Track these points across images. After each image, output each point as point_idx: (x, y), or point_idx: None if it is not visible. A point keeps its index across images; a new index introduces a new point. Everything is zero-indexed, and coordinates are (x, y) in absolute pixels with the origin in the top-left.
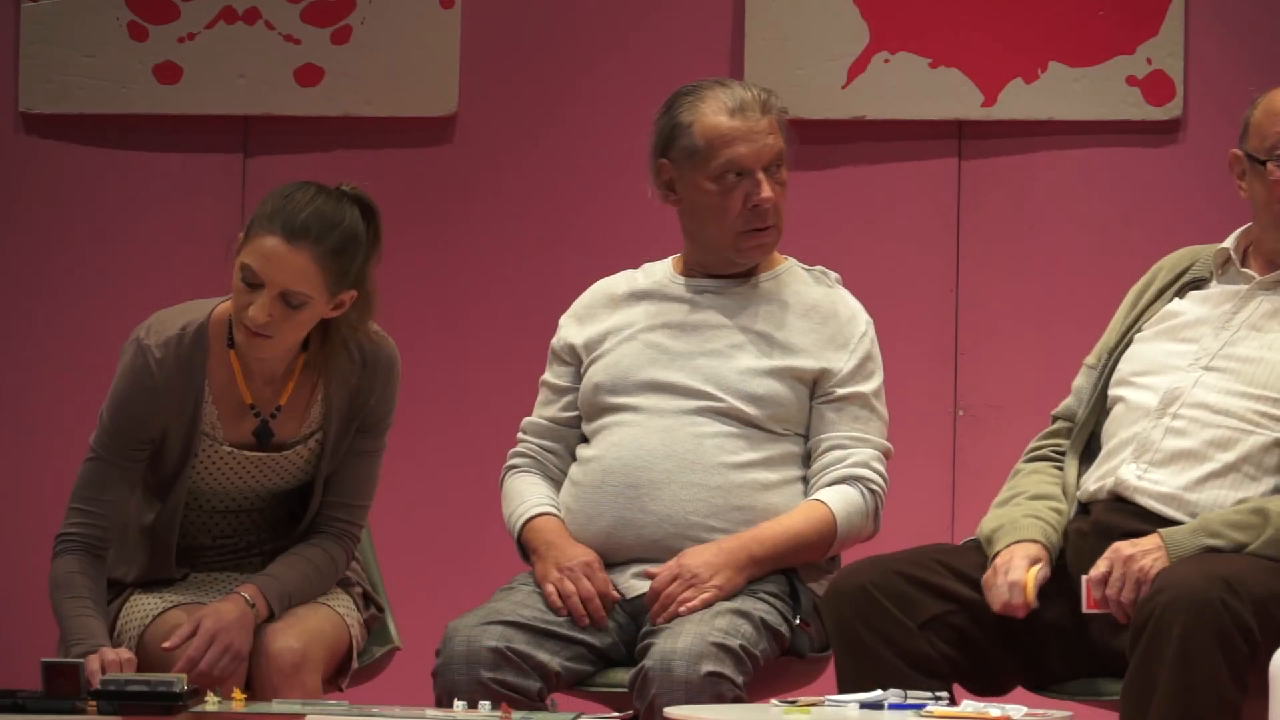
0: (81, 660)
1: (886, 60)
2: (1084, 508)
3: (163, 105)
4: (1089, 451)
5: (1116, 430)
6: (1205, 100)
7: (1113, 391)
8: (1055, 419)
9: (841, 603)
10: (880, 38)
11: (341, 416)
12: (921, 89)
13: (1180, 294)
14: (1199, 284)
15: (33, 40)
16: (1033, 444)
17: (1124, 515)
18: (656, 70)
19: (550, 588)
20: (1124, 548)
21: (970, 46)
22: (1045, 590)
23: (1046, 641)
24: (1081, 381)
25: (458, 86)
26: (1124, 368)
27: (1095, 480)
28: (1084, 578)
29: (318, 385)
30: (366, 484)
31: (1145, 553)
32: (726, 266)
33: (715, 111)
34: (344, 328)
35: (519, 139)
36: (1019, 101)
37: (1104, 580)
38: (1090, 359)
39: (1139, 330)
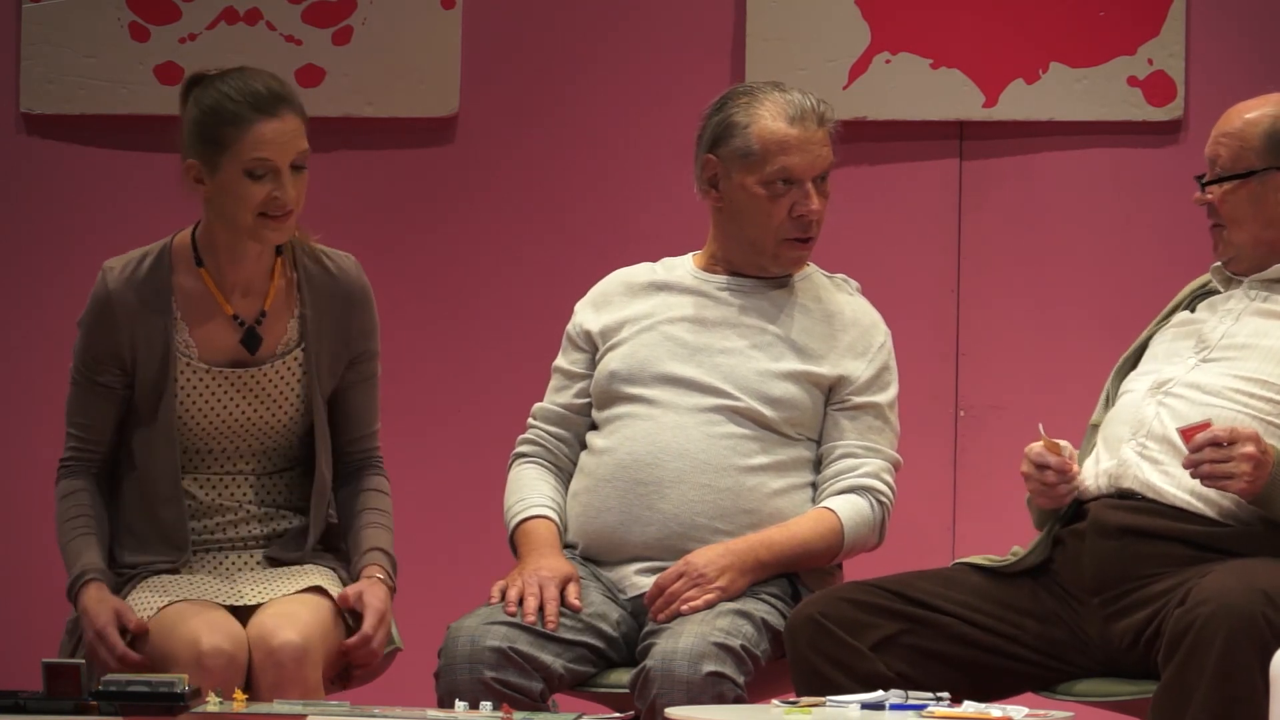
0: (82, 661)
1: (888, 61)
2: (1078, 513)
3: (164, 106)
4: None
5: (1112, 420)
6: (1206, 101)
7: (1121, 392)
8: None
9: (795, 636)
10: (881, 38)
11: (320, 331)
12: (923, 89)
13: (1191, 307)
14: (1208, 295)
15: (34, 41)
16: None
17: (1124, 511)
18: (657, 71)
19: (501, 583)
20: (1251, 438)
21: (971, 47)
22: (1019, 601)
23: (1008, 650)
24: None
25: (459, 87)
26: (1133, 372)
27: (1094, 473)
28: (1207, 422)
29: (292, 292)
30: (377, 408)
31: (1258, 464)
32: (756, 269)
33: (774, 117)
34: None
35: (520, 139)
36: (1020, 102)
37: (1213, 441)
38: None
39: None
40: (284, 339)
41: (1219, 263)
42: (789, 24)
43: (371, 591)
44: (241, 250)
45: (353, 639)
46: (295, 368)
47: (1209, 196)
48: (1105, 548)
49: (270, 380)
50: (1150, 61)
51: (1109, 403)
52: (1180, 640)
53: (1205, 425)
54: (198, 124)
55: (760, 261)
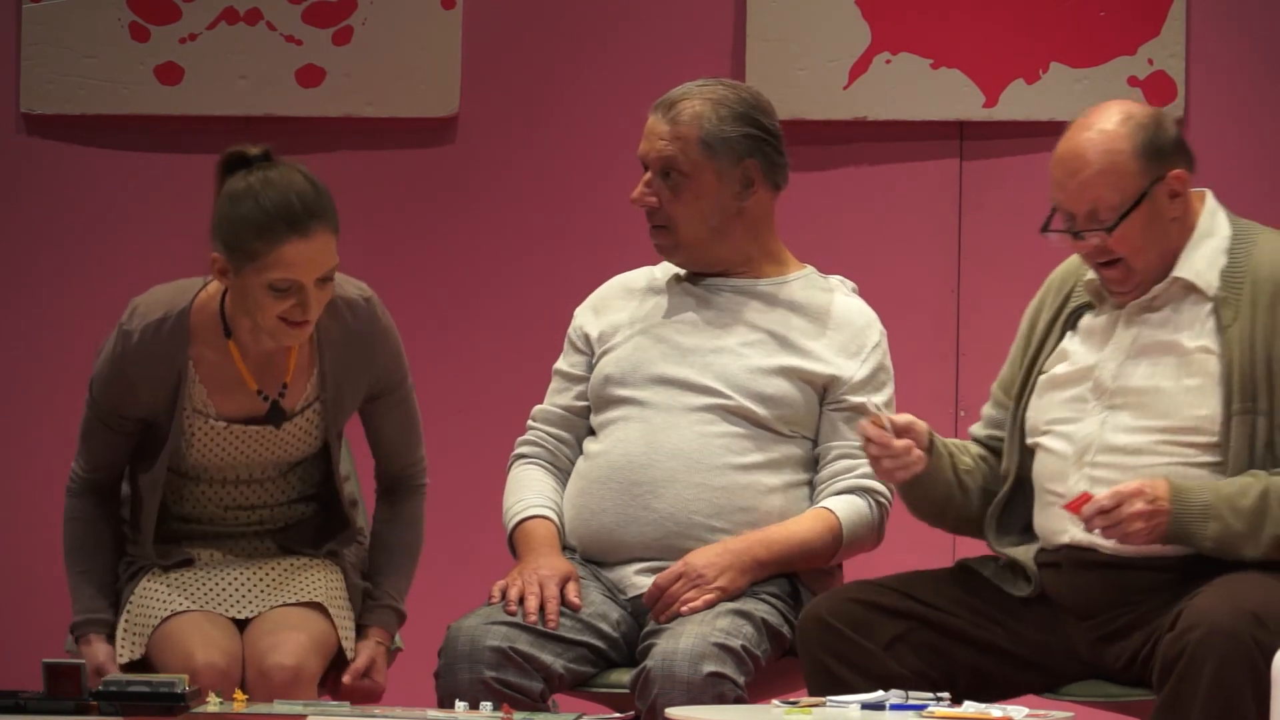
0: (83, 661)
1: (888, 61)
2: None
3: (164, 106)
4: (1022, 493)
5: (1044, 482)
6: (1206, 101)
7: (1030, 440)
8: (974, 439)
9: (805, 638)
10: (882, 38)
11: (339, 385)
12: (923, 89)
13: (1070, 325)
14: (1082, 312)
15: (34, 41)
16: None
17: (1094, 552)
18: (657, 71)
19: (500, 583)
20: (1135, 494)
21: (972, 47)
22: (1018, 607)
23: (1019, 649)
24: (994, 414)
25: (459, 87)
26: (1035, 417)
27: (1051, 528)
28: (1086, 495)
29: (311, 352)
30: (414, 429)
31: (1150, 515)
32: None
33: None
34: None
35: (520, 139)
36: (1020, 102)
37: (1099, 511)
38: (998, 391)
39: (1040, 371)
40: (304, 395)
41: (1092, 278)
42: (789, 24)
43: (378, 668)
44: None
45: (353, 680)
46: (314, 418)
47: (1096, 242)
48: (1087, 579)
49: (289, 433)
50: (1150, 61)
51: (1017, 443)
52: (1172, 666)
53: (1086, 498)
54: (227, 227)
55: None
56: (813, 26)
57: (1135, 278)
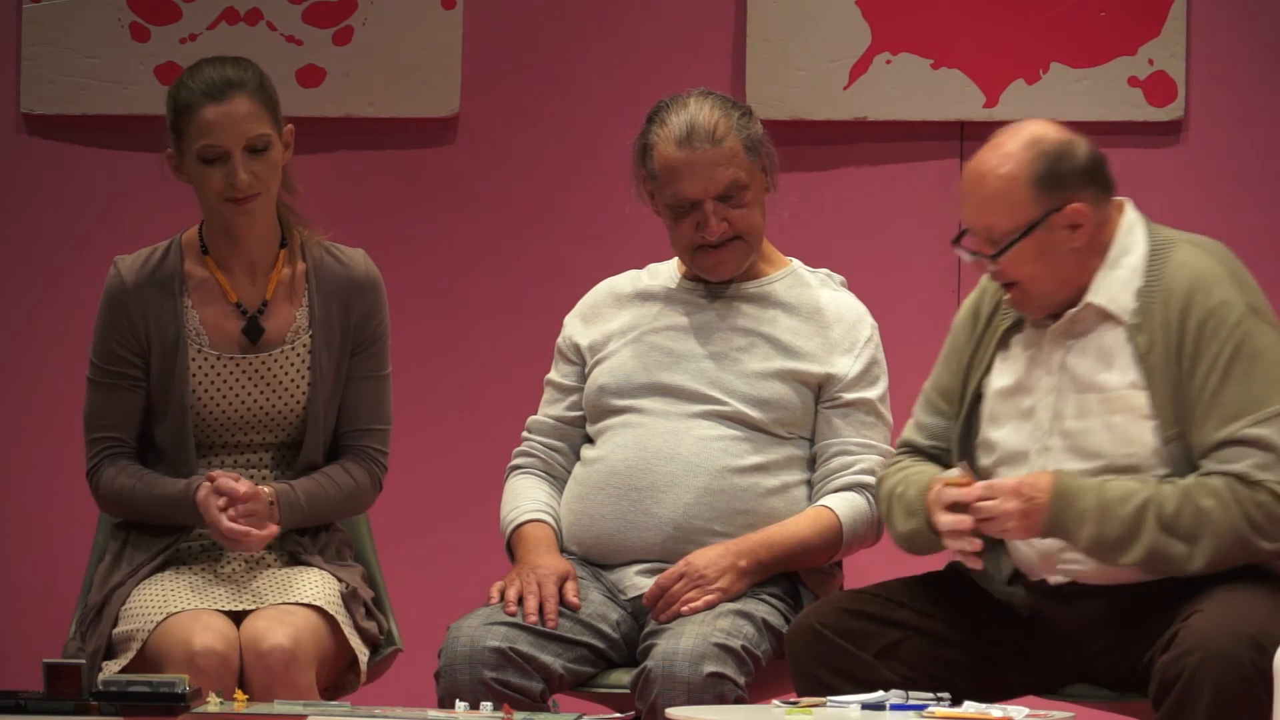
0: (83, 661)
1: (888, 61)
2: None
3: (164, 106)
4: None
5: None
6: (1207, 101)
7: (982, 465)
8: (912, 447)
9: (796, 647)
10: (882, 38)
11: (328, 319)
12: (923, 90)
13: (1002, 344)
14: (1013, 330)
15: (34, 41)
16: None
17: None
18: (658, 71)
19: (499, 584)
20: (1020, 493)
21: (972, 47)
22: (1006, 616)
23: (1010, 655)
24: (935, 423)
25: (459, 87)
26: (984, 457)
27: (1025, 563)
28: (968, 479)
29: (300, 281)
30: (382, 407)
31: (1027, 511)
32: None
33: (667, 140)
34: (303, 229)
35: (521, 140)
36: (1021, 102)
37: (986, 494)
38: (938, 400)
39: (979, 392)
40: (292, 327)
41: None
42: (789, 24)
43: (260, 509)
44: (238, 237)
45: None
46: (304, 353)
47: (995, 268)
48: (1082, 607)
49: (280, 366)
50: (1151, 61)
51: (963, 454)
52: (1169, 688)
53: (968, 482)
54: (168, 114)
55: (696, 272)
56: (813, 26)
57: (1034, 302)
